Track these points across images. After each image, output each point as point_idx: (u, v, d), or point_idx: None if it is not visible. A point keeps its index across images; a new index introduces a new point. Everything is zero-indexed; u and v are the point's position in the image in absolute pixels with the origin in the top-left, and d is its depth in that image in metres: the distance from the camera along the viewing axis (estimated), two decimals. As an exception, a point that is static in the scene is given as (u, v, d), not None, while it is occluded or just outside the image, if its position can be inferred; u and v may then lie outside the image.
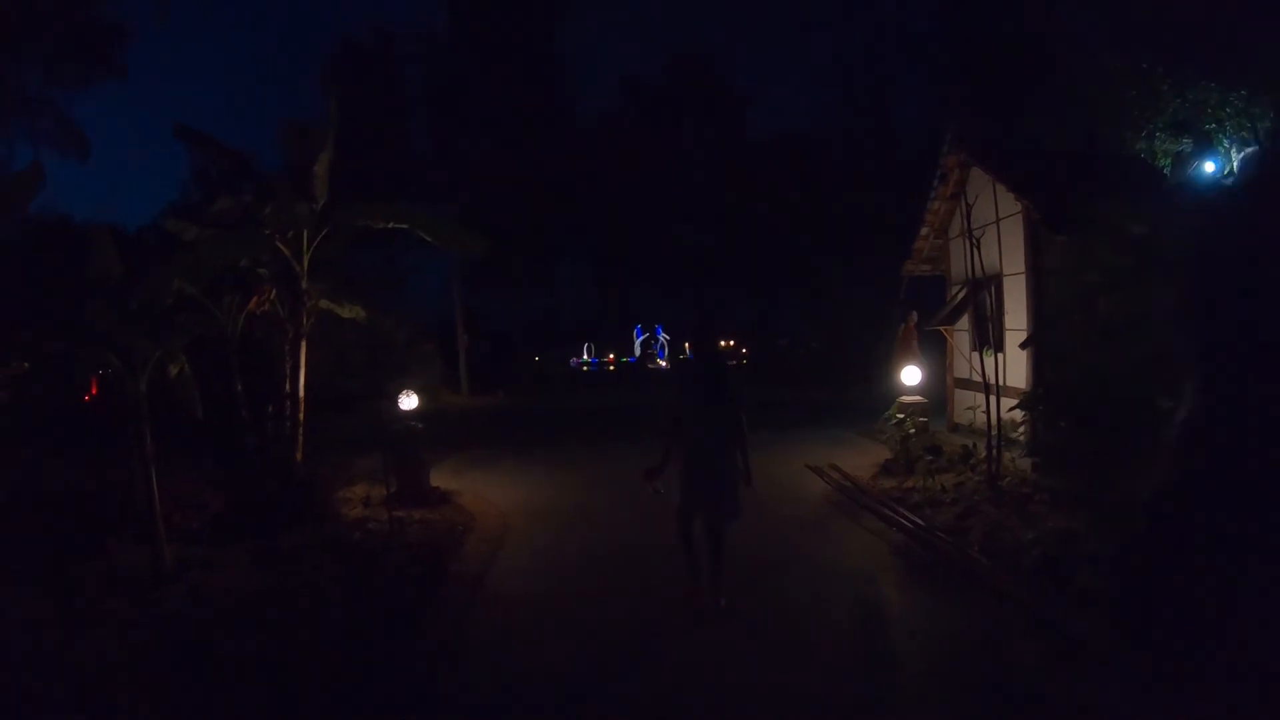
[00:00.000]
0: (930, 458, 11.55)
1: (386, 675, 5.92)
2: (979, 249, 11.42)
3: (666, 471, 6.96)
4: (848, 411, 20.25)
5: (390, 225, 11.39)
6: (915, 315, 15.45)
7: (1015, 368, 12.99)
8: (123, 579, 7.84)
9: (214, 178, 24.32)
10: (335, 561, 8.66)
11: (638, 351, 51.49)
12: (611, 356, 53.50)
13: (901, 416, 12.24)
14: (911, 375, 12.70)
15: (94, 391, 14.51)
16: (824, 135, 42.62)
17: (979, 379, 14.01)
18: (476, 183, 34.89)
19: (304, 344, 11.21)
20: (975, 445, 11.71)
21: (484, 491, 12.43)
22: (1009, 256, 13.55)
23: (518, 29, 35.24)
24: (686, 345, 8.97)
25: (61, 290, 10.85)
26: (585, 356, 54.96)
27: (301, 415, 11.08)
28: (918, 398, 12.77)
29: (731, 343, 50.42)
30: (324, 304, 11.99)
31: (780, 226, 38.89)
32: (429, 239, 11.56)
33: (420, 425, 11.81)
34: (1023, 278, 12.95)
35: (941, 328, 15.25)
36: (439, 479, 12.82)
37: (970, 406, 12.99)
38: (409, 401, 11.70)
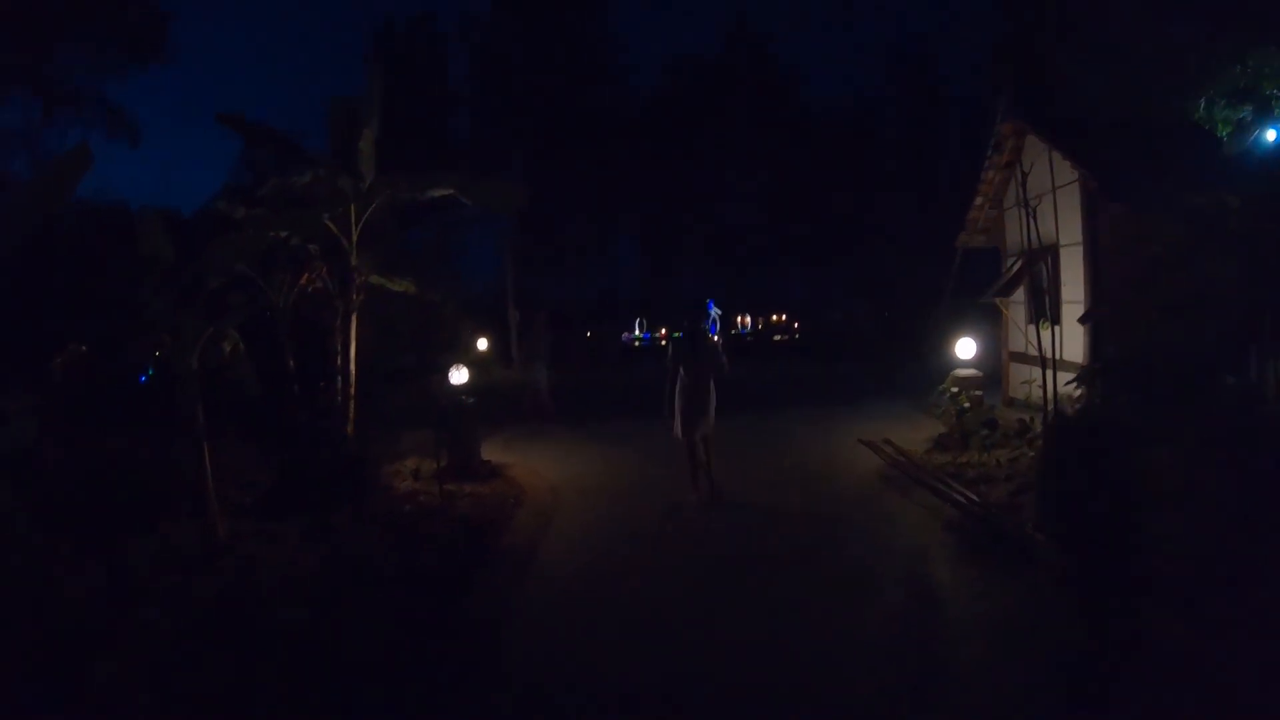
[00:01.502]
0: (985, 432, 11.33)
1: (436, 651, 5.94)
2: (1035, 218, 11.14)
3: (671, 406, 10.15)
4: (901, 386, 19.98)
5: (433, 194, 11.38)
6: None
7: (1072, 341, 12.72)
8: (177, 554, 7.93)
9: (263, 161, 24.59)
10: (386, 535, 8.75)
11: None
12: (664, 331, 53.31)
13: (956, 390, 11.99)
14: (966, 348, 12.46)
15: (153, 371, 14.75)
16: (873, 106, 42.14)
17: (1035, 353, 13.77)
18: (527, 160, 34.86)
19: (354, 319, 11.26)
20: (1032, 420, 11.48)
21: (535, 466, 12.46)
22: (1065, 227, 13.27)
23: (564, 5, 35.14)
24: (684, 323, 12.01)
25: (115, 273, 11.05)
26: (637, 331, 54.89)
27: (353, 390, 11.15)
28: (973, 371, 12.50)
29: (783, 318, 50.11)
30: (374, 279, 12.03)
31: (831, 201, 38.51)
32: (469, 201, 11.56)
33: (471, 400, 11.85)
34: (1079, 249, 12.67)
35: (997, 300, 14.99)
36: (490, 453, 12.87)
37: (1026, 380, 12.70)
38: (459, 376, 11.73)
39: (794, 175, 40.07)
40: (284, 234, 10.98)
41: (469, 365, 12.90)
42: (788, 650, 5.82)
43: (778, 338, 47.04)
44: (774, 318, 51.18)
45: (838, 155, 38.61)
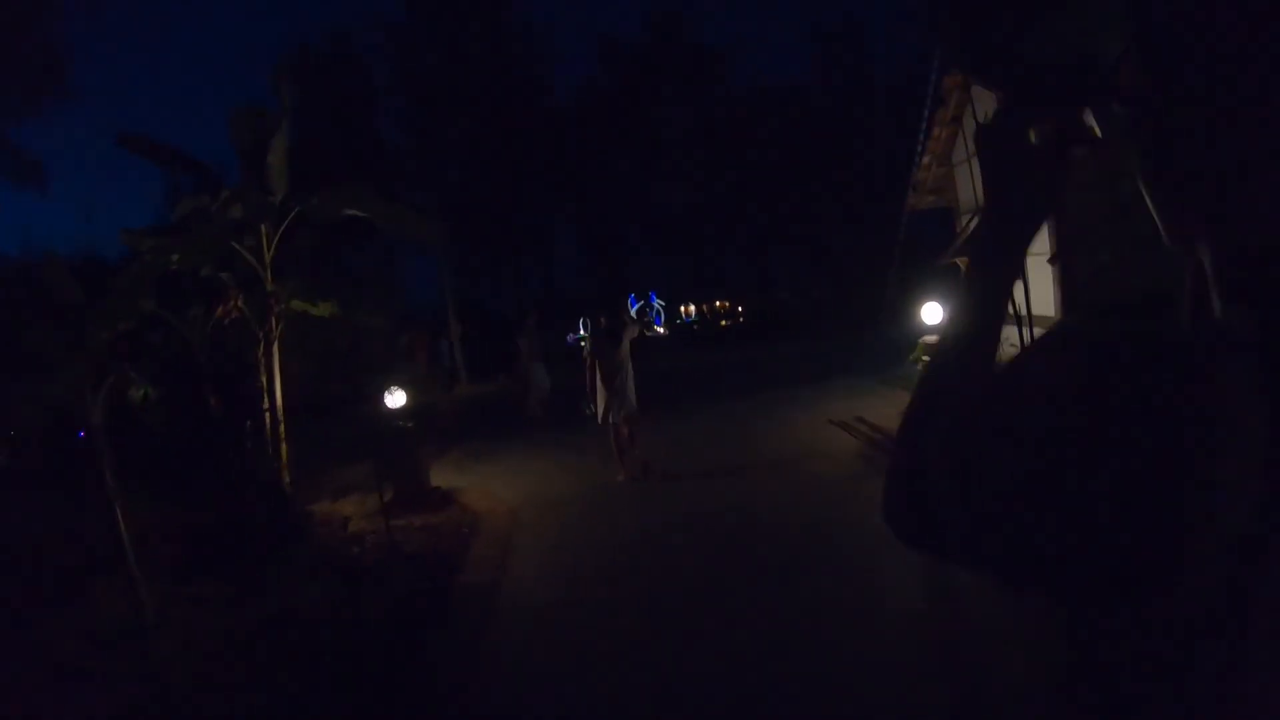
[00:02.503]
0: None
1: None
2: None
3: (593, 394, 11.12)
4: (861, 360, 19.40)
5: (351, 214, 10.46)
6: None
7: (1041, 295, 12.09)
8: (104, 628, 7.04)
9: (183, 188, 23.43)
10: (330, 584, 7.85)
11: (630, 320, 50.51)
12: (646, 323, 52.67)
13: (927, 359, 11.34)
14: (932, 313, 11.76)
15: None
16: (802, 84, 41.63)
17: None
18: (456, 165, 33.93)
19: (276, 351, 10.33)
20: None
21: (488, 486, 11.57)
22: (1023, 176, 12.65)
23: (474, 6, 34.13)
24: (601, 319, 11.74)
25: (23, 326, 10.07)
26: (583, 331, 54.04)
27: (282, 428, 10.22)
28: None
29: (726, 304, 49.55)
30: (295, 305, 11.10)
31: (769, 180, 37.90)
32: (385, 230, 10.64)
33: (411, 424, 10.92)
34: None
35: (957, 260, 14.35)
36: (440, 477, 11.99)
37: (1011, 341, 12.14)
38: (396, 399, 10.76)
39: (730, 157, 39.35)
40: (190, 264, 10.05)
41: (411, 383, 11.95)
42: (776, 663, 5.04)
43: (724, 323, 46.48)
44: (718, 304, 50.64)
45: (772, 135, 37.92)
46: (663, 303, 52.84)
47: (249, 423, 10.96)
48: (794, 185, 36.74)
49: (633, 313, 48.38)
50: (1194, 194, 0.86)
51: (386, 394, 10.72)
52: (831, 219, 33.59)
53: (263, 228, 10.20)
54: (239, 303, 10.79)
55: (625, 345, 11.14)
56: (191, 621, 7.19)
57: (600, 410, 11.03)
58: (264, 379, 10.37)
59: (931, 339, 11.75)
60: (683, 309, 53.84)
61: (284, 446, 10.20)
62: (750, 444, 12.17)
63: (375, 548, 9.05)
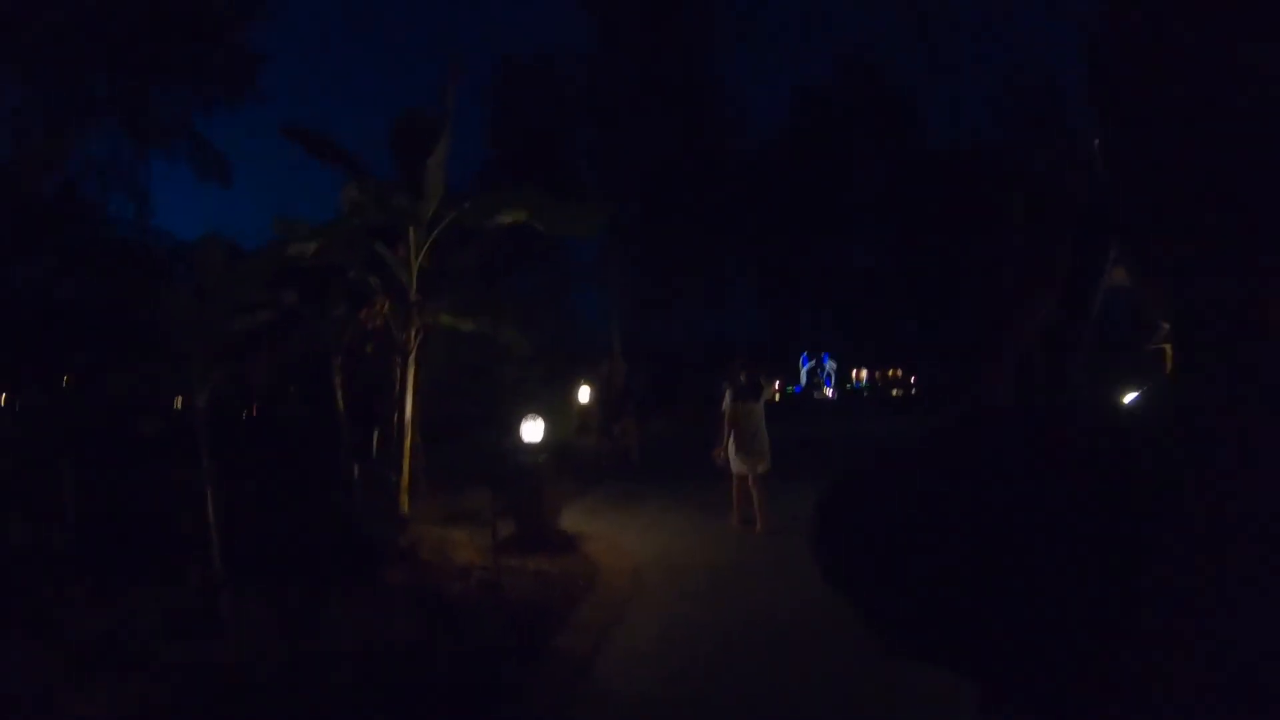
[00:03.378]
0: None
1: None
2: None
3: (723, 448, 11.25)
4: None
5: (503, 219, 9.82)
6: None
7: None
8: (174, 621, 6.61)
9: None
10: (420, 617, 7.11)
11: (804, 380, 49.06)
12: (777, 384, 51.04)
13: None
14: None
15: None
16: (999, 143, 39.52)
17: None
18: (639, 200, 33.54)
19: (412, 363, 9.76)
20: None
21: (618, 537, 10.68)
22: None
23: (669, 50, 33.83)
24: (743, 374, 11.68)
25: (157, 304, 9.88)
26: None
27: (408, 443, 9.63)
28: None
29: (898, 372, 47.71)
30: (444, 319, 10.56)
31: (953, 242, 36.11)
32: (542, 227, 9.91)
33: (544, 457, 10.15)
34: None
35: (1165, 346, 12.77)
36: (570, 519, 11.24)
37: None
38: (533, 430, 10.01)
39: (916, 218, 37.76)
40: (329, 260, 9.61)
41: (559, 416, 11.25)
42: None
43: (896, 391, 44.66)
44: (890, 371, 48.78)
45: (962, 193, 36.14)
46: (834, 364, 51.27)
47: (377, 431, 10.47)
48: (980, 250, 34.90)
49: (804, 371, 47.24)
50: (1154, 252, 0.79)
51: (524, 423, 9.98)
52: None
53: (411, 232, 9.68)
54: (384, 309, 10.33)
55: (761, 403, 11.36)
56: (264, 628, 6.61)
57: (733, 464, 11.18)
58: (399, 391, 9.85)
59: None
60: (854, 373, 52.17)
61: (407, 463, 9.60)
62: None
63: (480, 586, 8.27)
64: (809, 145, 39.56)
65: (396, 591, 7.88)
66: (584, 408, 26.70)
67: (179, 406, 12.16)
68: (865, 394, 45.76)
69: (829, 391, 49.93)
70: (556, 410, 26.49)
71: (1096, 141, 0.82)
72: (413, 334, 9.78)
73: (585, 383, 26.78)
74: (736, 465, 11.14)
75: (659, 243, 34.64)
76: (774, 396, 13.90)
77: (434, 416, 12.01)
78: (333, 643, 6.45)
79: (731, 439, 11.07)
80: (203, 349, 7.47)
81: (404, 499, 9.55)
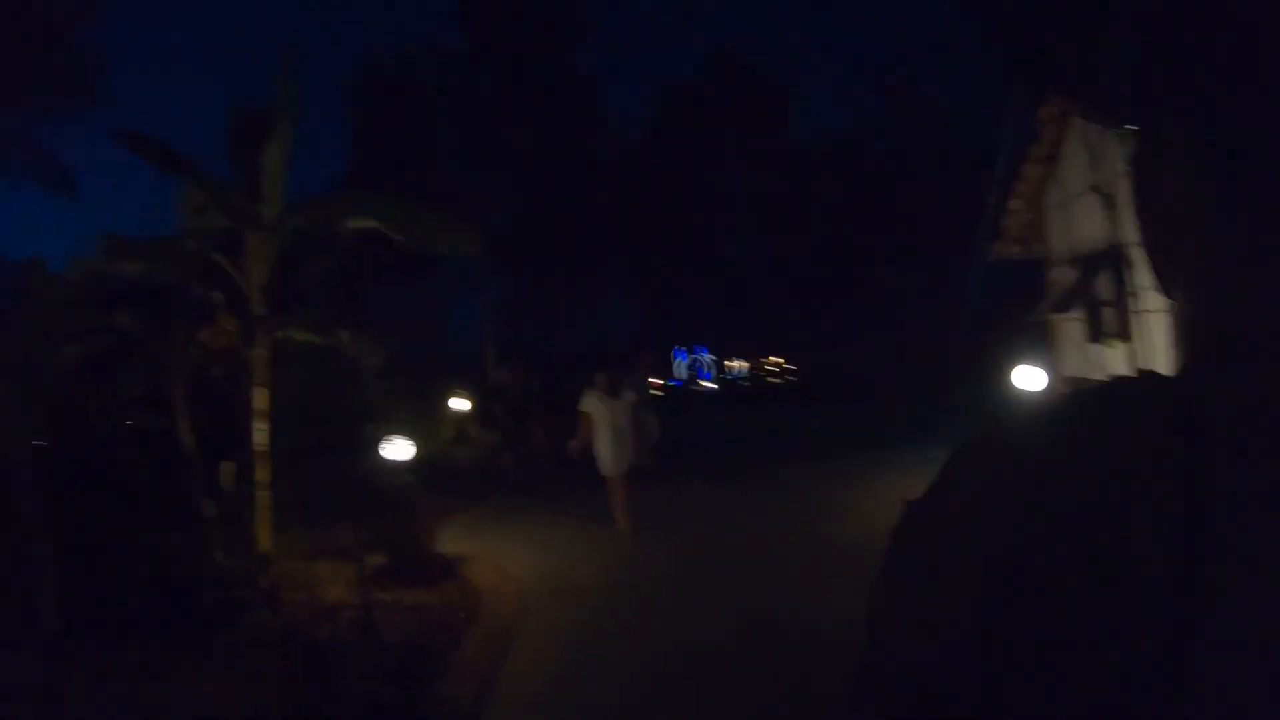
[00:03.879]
0: None
1: None
2: (1113, 207, 8.85)
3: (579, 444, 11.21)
4: (932, 427, 17.56)
5: (355, 227, 8.96)
6: None
7: (1152, 361, 10.33)
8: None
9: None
10: (283, 673, 6.30)
11: (683, 374, 48.75)
12: (660, 381, 50.79)
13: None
14: (1031, 378, 10.01)
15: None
16: (865, 134, 39.79)
17: (1100, 377, 11.41)
18: (510, 202, 32.63)
19: (261, 385, 8.83)
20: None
21: (501, 557, 9.93)
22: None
23: (537, 47, 33.04)
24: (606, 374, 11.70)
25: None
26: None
27: (261, 475, 8.71)
28: (1040, 406, 10.08)
29: (779, 361, 47.78)
30: (297, 335, 9.66)
31: (828, 232, 36.24)
32: (398, 236, 8.99)
33: (413, 478, 9.35)
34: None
35: (1049, 318, 12.64)
36: (450, 541, 10.46)
37: None
38: (400, 449, 9.18)
39: (789, 208, 37.73)
40: (161, 276, 8.67)
41: (435, 428, 10.37)
42: None
43: (775, 380, 44.66)
44: (770, 360, 48.85)
45: (832, 185, 36.26)
46: (712, 357, 51.10)
47: (228, 466, 9.53)
48: (855, 238, 34.99)
49: (681, 365, 47.00)
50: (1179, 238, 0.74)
51: (385, 442, 9.14)
52: (896, 274, 31.81)
53: (249, 239, 8.75)
54: (230, 328, 9.40)
55: (624, 404, 11.28)
56: (94, 695, 5.75)
57: (608, 463, 11.00)
58: (251, 415, 8.93)
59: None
60: (729, 364, 52.10)
61: (263, 495, 8.68)
62: (813, 528, 10.41)
63: (351, 627, 7.46)
64: (678, 141, 39.15)
65: (257, 641, 7.05)
66: (461, 417, 25.84)
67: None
68: (745, 384, 45.55)
69: (706, 383, 49.74)
70: (431, 422, 25.49)
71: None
72: (260, 353, 8.86)
73: (462, 393, 25.95)
74: (604, 466, 11.04)
75: (532, 244, 33.83)
76: (647, 393, 13.19)
77: (295, 442, 11.07)
78: (177, 702, 5.62)
79: (598, 439, 10.99)
80: (23, 381, 6.55)
81: (263, 535, 8.62)
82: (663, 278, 41.31)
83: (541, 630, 7.38)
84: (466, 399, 26.00)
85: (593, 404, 11.13)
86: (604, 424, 10.99)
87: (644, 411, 15.52)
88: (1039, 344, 13.47)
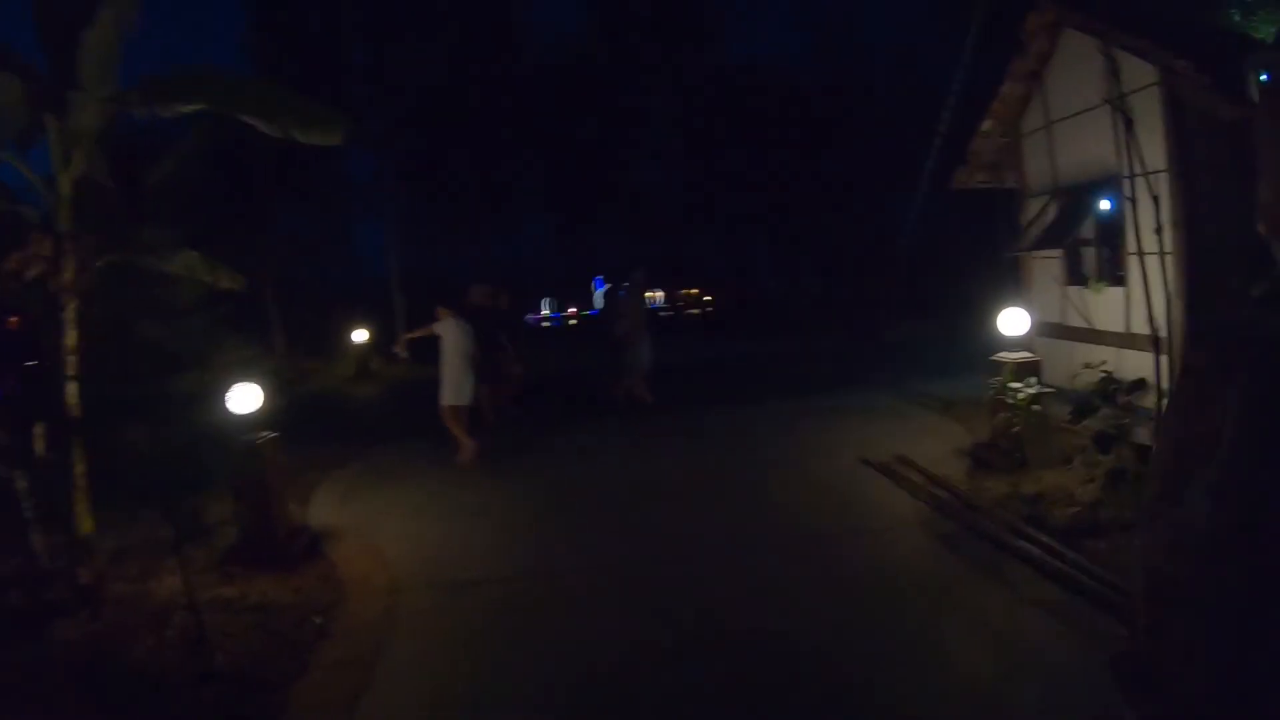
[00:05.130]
0: (1097, 452, 7.53)
1: None
2: (1131, 128, 7.32)
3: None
4: (869, 366, 16.16)
5: (186, 108, 6.96)
6: None
7: (1141, 307, 8.92)
8: None
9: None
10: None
11: (600, 304, 47.09)
12: (574, 311, 49.21)
13: (1019, 386, 8.02)
14: (1015, 322, 8.51)
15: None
16: (794, 53, 37.77)
17: (1081, 324, 10.00)
18: (417, 118, 30.16)
19: (73, 323, 6.92)
20: (1119, 426, 7.57)
21: (378, 530, 8.14)
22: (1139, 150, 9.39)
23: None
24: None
25: None
26: (545, 310, 50.71)
27: (77, 432, 6.82)
28: (1025, 354, 8.56)
29: (696, 291, 46.43)
30: (138, 260, 7.76)
31: (755, 158, 34.42)
32: (259, 123, 7.00)
33: (268, 435, 7.49)
34: (1161, 179, 8.71)
35: (1023, 255, 11.19)
36: (323, 506, 8.76)
37: (1086, 363, 8.77)
38: (244, 399, 7.31)
39: (713, 133, 35.66)
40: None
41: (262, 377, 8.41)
42: None
43: (694, 311, 43.28)
44: (688, 291, 47.40)
45: (760, 109, 34.22)
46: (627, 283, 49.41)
47: (37, 427, 7.63)
48: (783, 165, 33.23)
49: (599, 294, 45.17)
50: None
51: (231, 392, 7.27)
52: (829, 206, 30.27)
53: (54, 130, 6.78)
54: (47, 253, 7.43)
55: (469, 335, 10.97)
56: None
57: (447, 394, 10.83)
58: (65, 356, 7.01)
59: (1014, 356, 8.50)
60: (649, 295, 50.70)
61: (79, 467, 6.79)
62: (755, 494, 8.66)
63: (180, 639, 5.72)
64: (596, 59, 36.63)
65: (63, 659, 5.32)
66: (362, 350, 23.88)
67: None
68: (662, 315, 44.15)
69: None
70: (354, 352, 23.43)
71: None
72: (68, 281, 6.93)
73: (363, 324, 23.94)
74: (447, 395, 10.86)
75: (442, 165, 31.45)
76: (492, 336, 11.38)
77: (136, 395, 9.22)
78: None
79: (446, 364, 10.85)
80: None
81: (82, 515, 6.75)
82: (579, 204, 39.09)
83: (413, 643, 5.67)
84: (367, 331, 24.08)
85: (446, 332, 10.90)
86: (451, 354, 10.83)
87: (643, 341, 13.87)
88: (1005, 284, 12.03)
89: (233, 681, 5.19)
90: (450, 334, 10.84)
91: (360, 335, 23.87)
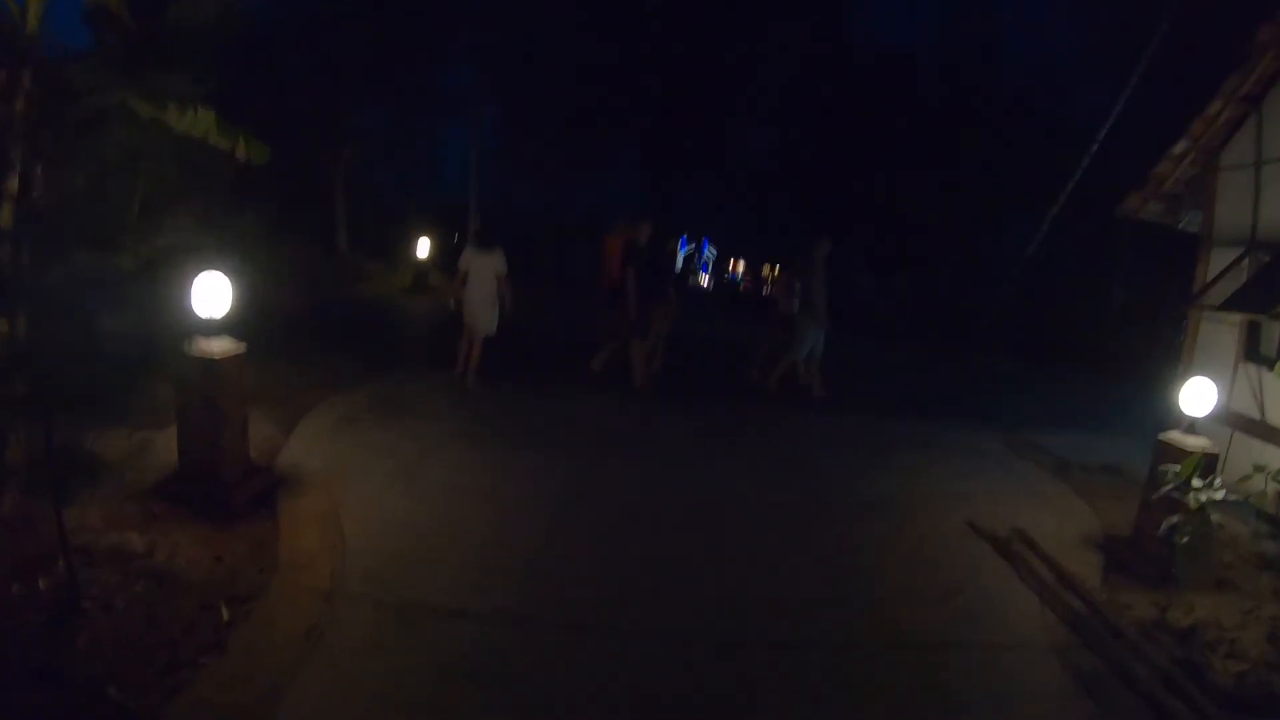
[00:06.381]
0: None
1: None
2: None
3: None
4: (970, 399, 14.18)
5: None
6: None
7: None
8: None
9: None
10: None
11: (679, 265, 45.24)
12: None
13: (1200, 485, 6.16)
14: (1201, 396, 6.62)
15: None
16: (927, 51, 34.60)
17: (1252, 414, 8.17)
18: (514, 70, 28.14)
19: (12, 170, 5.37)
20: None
21: (351, 488, 6.50)
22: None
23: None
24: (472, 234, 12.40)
25: None
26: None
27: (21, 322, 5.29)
28: (1205, 443, 6.69)
29: (779, 271, 44.25)
30: (135, 103, 6.19)
31: (869, 148, 32.14)
32: None
33: (233, 349, 5.84)
34: None
35: (1202, 312, 9.27)
36: (304, 439, 7.28)
37: (1258, 465, 6.78)
38: (210, 295, 5.68)
39: (831, 112, 33.29)
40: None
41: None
42: None
43: (770, 291, 41.17)
44: (771, 269, 45.22)
45: (887, 95, 31.77)
46: (714, 251, 47.50)
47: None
48: (897, 159, 30.91)
49: (681, 255, 43.37)
50: None
51: (193, 287, 5.65)
52: (936, 208, 28.02)
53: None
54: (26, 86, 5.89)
55: (495, 265, 10.56)
56: None
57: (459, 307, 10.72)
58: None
59: (1185, 441, 6.60)
60: (732, 264, 48.62)
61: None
62: (843, 550, 6.63)
63: (50, 610, 4.19)
64: (714, 8, 33.99)
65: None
66: (423, 264, 22.55)
67: None
68: (740, 289, 42.35)
69: (705, 279, 46.54)
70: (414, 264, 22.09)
71: None
72: (25, 112, 5.38)
73: (430, 234, 22.54)
74: (466, 317, 10.69)
75: (535, 90, 29.46)
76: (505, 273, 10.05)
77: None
78: None
79: (464, 293, 10.63)
80: None
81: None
82: (672, 161, 36.96)
83: (338, 665, 4.09)
84: (430, 243, 22.65)
85: (465, 256, 10.71)
86: (470, 278, 10.58)
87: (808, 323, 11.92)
88: (1162, 342, 10.06)
89: (72, 689, 3.66)
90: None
91: (424, 247, 22.58)
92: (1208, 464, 6.34)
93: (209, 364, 5.60)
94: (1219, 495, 5.71)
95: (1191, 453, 6.13)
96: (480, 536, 6.03)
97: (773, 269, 45.69)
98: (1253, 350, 8.60)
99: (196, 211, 9.66)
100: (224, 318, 5.72)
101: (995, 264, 24.95)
